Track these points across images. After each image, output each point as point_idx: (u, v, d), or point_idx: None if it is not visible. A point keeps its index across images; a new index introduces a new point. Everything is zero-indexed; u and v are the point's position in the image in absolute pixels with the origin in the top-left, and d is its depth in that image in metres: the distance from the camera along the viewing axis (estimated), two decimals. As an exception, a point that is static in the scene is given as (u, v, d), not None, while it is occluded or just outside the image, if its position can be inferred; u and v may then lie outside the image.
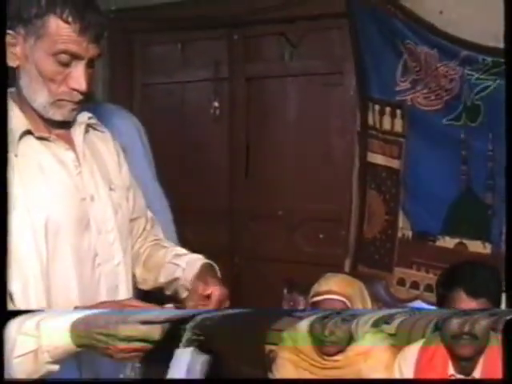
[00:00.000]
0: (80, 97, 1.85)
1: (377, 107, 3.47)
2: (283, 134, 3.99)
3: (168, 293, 2.14)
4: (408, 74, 3.37)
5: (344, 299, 2.56)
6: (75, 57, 1.80)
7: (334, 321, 2.15)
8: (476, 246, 3.22)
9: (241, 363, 1.77)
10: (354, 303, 2.56)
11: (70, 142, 1.95)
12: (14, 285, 1.74)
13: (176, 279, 2.10)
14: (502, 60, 3.14)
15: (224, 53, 4.09)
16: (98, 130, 2.07)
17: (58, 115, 1.86)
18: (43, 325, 1.57)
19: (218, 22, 3.96)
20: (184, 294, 2.07)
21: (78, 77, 1.81)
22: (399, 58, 3.38)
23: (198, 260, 2.09)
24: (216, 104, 4.10)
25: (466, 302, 2.46)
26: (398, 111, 3.42)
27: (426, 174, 3.34)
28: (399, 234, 3.38)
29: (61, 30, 1.76)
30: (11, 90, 1.87)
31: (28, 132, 1.85)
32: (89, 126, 2.03)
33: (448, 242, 3.29)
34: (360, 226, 3.50)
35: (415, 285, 3.37)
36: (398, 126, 3.43)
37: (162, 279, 2.14)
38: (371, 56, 3.46)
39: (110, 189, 2.02)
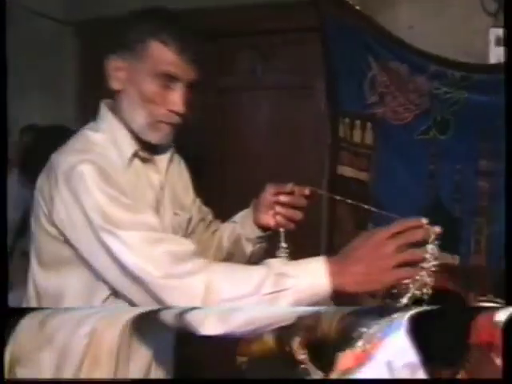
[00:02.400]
0: (177, 119, 1.90)
1: (347, 120, 3.51)
2: (255, 147, 4.01)
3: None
4: (378, 88, 3.41)
5: None
6: (174, 79, 1.86)
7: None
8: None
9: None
10: None
11: (156, 165, 2.02)
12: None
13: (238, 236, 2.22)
14: (471, 74, 3.21)
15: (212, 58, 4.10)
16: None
17: (155, 138, 1.91)
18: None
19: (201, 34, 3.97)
20: (248, 249, 2.19)
21: (176, 99, 1.86)
22: (369, 72, 3.42)
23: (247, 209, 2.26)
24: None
25: None
26: (369, 124, 3.46)
27: (395, 187, 3.38)
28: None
29: (161, 52, 1.83)
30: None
31: (135, 153, 1.91)
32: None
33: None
34: (330, 239, 3.52)
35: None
36: (368, 138, 3.46)
37: (226, 243, 2.25)
38: (342, 70, 3.49)
39: (174, 213, 2.07)
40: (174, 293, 1.62)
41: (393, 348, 1.43)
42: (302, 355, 1.62)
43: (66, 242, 1.79)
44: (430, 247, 1.60)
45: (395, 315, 1.47)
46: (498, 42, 3.27)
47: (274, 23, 3.76)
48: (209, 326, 1.54)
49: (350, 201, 2.23)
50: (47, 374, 1.70)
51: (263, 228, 2.20)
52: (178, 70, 1.86)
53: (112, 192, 1.72)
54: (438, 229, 1.64)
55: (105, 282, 1.77)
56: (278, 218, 2.08)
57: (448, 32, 3.29)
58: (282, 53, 3.93)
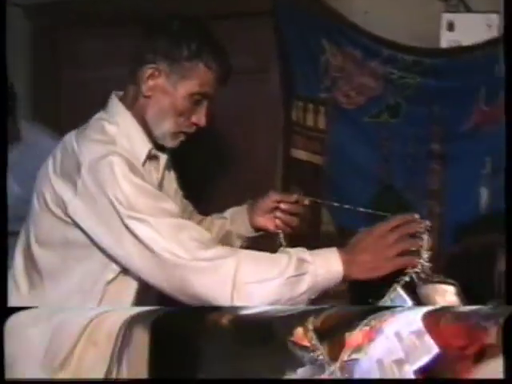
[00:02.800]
0: (194, 130, 2.11)
1: (300, 104, 3.53)
2: (208, 131, 4.00)
3: None
4: (331, 72, 3.44)
5: None
6: (206, 97, 2.06)
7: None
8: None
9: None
10: None
11: (157, 164, 2.16)
12: None
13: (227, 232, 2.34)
14: (423, 59, 3.26)
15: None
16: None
17: (170, 144, 2.10)
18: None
19: (141, 18, 3.95)
20: (237, 245, 2.32)
21: (201, 113, 2.07)
22: (323, 57, 3.44)
23: (239, 208, 2.39)
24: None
25: None
26: (322, 108, 3.48)
27: (348, 170, 3.42)
28: (323, 229, 3.43)
29: (204, 74, 2.00)
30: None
31: (149, 152, 2.05)
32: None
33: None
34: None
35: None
36: (321, 122, 3.49)
37: (214, 236, 2.30)
38: (295, 54, 3.51)
39: None
40: (204, 275, 1.76)
41: (399, 320, 1.64)
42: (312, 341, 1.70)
43: (74, 224, 1.91)
44: (426, 237, 1.92)
45: (392, 293, 1.82)
46: (449, 27, 3.32)
47: (227, 7, 3.75)
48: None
49: (336, 204, 2.51)
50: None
51: (259, 229, 2.36)
52: (212, 90, 2.07)
53: (138, 181, 1.86)
54: (428, 222, 1.95)
55: (122, 264, 1.89)
56: (278, 222, 2.26)
57: (402, 17, 3.32)
58: (235, 37, 3.92)
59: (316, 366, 1.69)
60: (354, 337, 1.66)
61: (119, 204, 1.81)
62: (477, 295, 3.18)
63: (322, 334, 1.71)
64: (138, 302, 2.01)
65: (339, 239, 3.37)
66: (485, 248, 3.25)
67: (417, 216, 1.95)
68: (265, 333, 1.64)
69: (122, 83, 4.18)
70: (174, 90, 2.01)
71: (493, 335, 3.05)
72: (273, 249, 1.99)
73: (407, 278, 1.88)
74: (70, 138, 2.01)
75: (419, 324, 1.65)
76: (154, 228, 1.80)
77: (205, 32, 2.09)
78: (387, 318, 1.65)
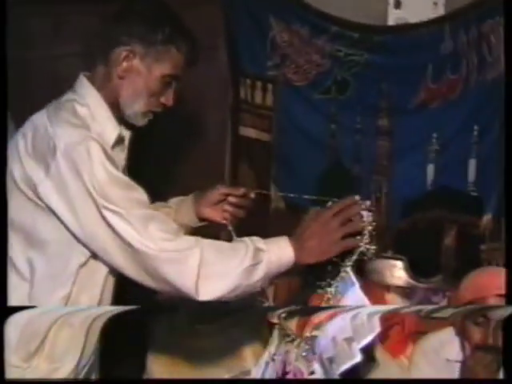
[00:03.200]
0: (161, 109, 2.16)
1: (248, 81, 3.52)
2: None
3: None
4: (279, 50, 3.44)
5: None
6: (175, 79, 2.12)
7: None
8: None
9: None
10: None
11: (123, 144, 2.18)
12: None
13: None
14: (370, 35, 3.28)
15: (97, 28, 4.01)
16: None
17: (140, 122, 2.14)
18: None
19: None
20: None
21: (169, 94, 2.13)
22: (270, 34, 3.43)
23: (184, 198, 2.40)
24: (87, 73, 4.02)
25: None
26: (269, 85, 3.48)
27: (297, 147, 3.42)
28: (272, 206, 3.44)
29: (175, 57, 2.07)
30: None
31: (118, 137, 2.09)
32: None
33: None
34: (234, 200, 3.53)
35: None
36: (269, 99, 3.49)
37: None
38: (243, 31, 3.49)
39: None
40: (172, 265, 1.87)
41: (350, 301, 1.90)
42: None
43: (43, 205, 1.93)
44: (366, 214, 1.95)
45: (343, 274, 1.95)
46: (396, 5, 3.34)
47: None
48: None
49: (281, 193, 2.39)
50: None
51: (204, 220, 2.39)
52: (182, 72, 2.13)
53: (113, 171, 1.91)
54: (368, 202, 1.99)
55: (92, 250, 1.95)
56: (225, 214, 2.31)
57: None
58: (183, 14, 3.87)
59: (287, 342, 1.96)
60: (318, 315, 1.93)
61: (95, 192, 1.88)
62: (424, 270, 3.24)
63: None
64: (106, 285, 2.06)
65: (289, 216, 3.40)
66: (432, 223, 3.30)
67: (357, 198, 2.00)
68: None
69: (68, 62, 4.16)
70: (148, 72, 2.08)
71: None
72: (215, 238, 2.06)
73: (354, 258, 1.96)
74: (42, 117, 2.03)
75: (367, 302, 1.90)
76: (127, 220, 1.87)
77: (176, 17, 2.17)
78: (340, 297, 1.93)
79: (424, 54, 3.32)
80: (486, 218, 3.26)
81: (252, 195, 2.32)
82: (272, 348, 2.01)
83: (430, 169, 3.32)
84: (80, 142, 1.91)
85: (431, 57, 3.31)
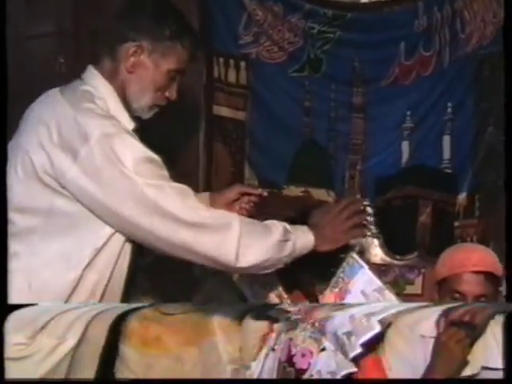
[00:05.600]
0: (165, 103, 2.22)
1: (221, 60, 3.49)
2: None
3: None
4: (252, 28, 3.41)
5: None
6: (180, 73, 2.18)
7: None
8: (320, 194, 3.34)
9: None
10: None
11: None
12: None
13: None
14: (343, 13, 3.26)
15: (69, 7, 3.95)
16: None
17: (147, 115, 2.20)
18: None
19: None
20: None
21: (174, 89, 2.18)
22: (243, 12, 3.41)
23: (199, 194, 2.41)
24: (61, 60, 3.96)
25: None
26: (243, 64, 3.46)
27: (271, 126, 3.41)
28: (246, 184, 3.41)
29: (180, 53, 2.14)
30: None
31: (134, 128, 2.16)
32: None
33: (293, 191, 3.38)
34: (208, 179, 3.51)
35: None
36: (243, 78, 3.47)
37: None
38: (215, 9, 3.46)
39: None
40: (214, 234, 2.02)
41: (361, 281, 2.17)
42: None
43: (63, 192, 2.02)
44: (369, 210, 2.47)
45: (349, 259, 2.21)
46: (369, -18, 3.34)
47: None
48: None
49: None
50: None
51: None
52: (186, 66, 2.19)
53: (146, 150, 2.03)
54: (367, 201, 2.46)
55: (127, 231, 2.06)
56: (242, 211, 2.35)
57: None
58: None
59: (290, 323, 2.05)
60: (326, 298, 2.22)
61: (135, 174, 1.98)
62: (400, 247, 3.25)
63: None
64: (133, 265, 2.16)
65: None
66: (407, 201, 3.31)
67: (358, 196, 2.45)
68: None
69: (41, 42, 4.10)
70: (155, 67, 2.14)
71: (418, 285, 3.14)
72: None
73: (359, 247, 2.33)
74: (63, 107, 2.09)
75: (378, 283, 2.18)
76: (168, 193, 2.01)
77: (181, 14, 2.23)
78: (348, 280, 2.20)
79: (397, 31, 3.32)
80: (461, 195, 3.28)
81: (265, 194, 2.43)
82: (271, 340, 2.10)
83: (405, 146, 3.33)
84: (115, 133, 2.01)
85: (404, 34, 3.31)
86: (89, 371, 2.07)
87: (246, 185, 3.35)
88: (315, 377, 2.05)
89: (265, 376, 2.16)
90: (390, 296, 2.18)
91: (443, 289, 2.27)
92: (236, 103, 3.47)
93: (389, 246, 3.15)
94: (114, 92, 2.15)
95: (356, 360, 1.99)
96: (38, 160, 2.03)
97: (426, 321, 2.31)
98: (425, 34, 3.29)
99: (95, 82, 2.16)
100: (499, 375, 2.20)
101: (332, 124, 3.37)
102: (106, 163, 1.98)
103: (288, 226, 2.13)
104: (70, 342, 2.01)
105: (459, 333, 2.17)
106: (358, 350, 2.00)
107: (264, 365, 2.16)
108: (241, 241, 2.03)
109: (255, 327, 2.15)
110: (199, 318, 2.12)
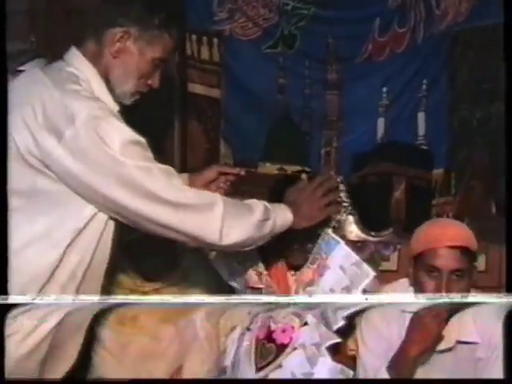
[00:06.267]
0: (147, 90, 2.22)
1: (194, 37, 3.46)
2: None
3: None
4: (226, 4, 3.39)
5: None
6: (164, 62, 2.20)
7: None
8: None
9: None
10: None
11: None
12: None
13: None
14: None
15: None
16: None
17: (128, 102, 2.20)
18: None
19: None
20: None
21: (156, 76, 2.19)
22: (217, -11, 3.38)
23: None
24: (32, 39, 3.91)
25: None
26: (216, 41, 3.43)
27: (245, 103, 3.39)
28: (221, 163, 3.40)
29: (167, 41, 2.14)
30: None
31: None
32: None
33: (269, 168, 3.37)
34: (183, 157, 3.50)
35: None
36: (216, 55, 3.44)
37: None
38: (188, -15, 3.44)
39: None
40: (198, 214, 2.06)
41: (339, 256, 2.28)
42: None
43: (47, 172, 2.01)
44: (342, 186, 2.43)
45: (324, 236, 2.33)
46: (344, -42, 3.32)
47: None
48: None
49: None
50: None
51: None
52: (170, 55, 2.23)
53: (133, 134, 2.04)
54: (341, 177, 2.51)
55: (112, 209, 2.06)
56: (220, 191, 2.38)
57: None
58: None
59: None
60: (305, 274, 2.31)
61: (122, 156, 1.99)
62: (375, 223, 3.25)
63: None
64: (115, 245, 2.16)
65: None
66: (382, 177, 3.31)
67: (332, 173, 2.43)
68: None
69: (12, 21, 4.03)
70: (140, 55, 2.14)
71: (393, 261, 3.15)
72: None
73: (335, 223, 2.38)
74: (48, 89, 2.07)
75: (355, 257, 2.28)
76: (155, 175, 2.03)
77: (171, 2, 2.27)
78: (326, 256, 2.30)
79: (372, 8, 3.31)
80: (436, 171, 3.29)
81: (243, 173, 2.47)
82: (246, 321, 2.24)
83: (380, 123, 3.34)
84: (102, 115, 2.02)
85: (379, 10, 3.30)
86: (69, 352, 2.10)
87: (222, 163, 3.36)
88: (299, 349, 2.16)
89: (241, 355, 2.26)
90: (368, 270, 2.26)
91: (418, 264, 2.27)
92: (210, 81, 3.45)
93: (364, 223, 3.14)
94: (98, 74, 2.14)
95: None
96: (23, 140, 2.02)
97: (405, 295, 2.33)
98: (399, 11, 3.28)
99: (78, 64, 2.14)
100: (473, 349, 2.25)
101: (307, 101, 3.36)
102: (91, 145, 1.98)
103: (268, 205, 2.18)
104: (50, 323, 2.02)
105: (437, 307, 2.19)
106: (341, 323, 2.15)
107: (240, 345, 2.26)
108: (224, 221, 2.06)
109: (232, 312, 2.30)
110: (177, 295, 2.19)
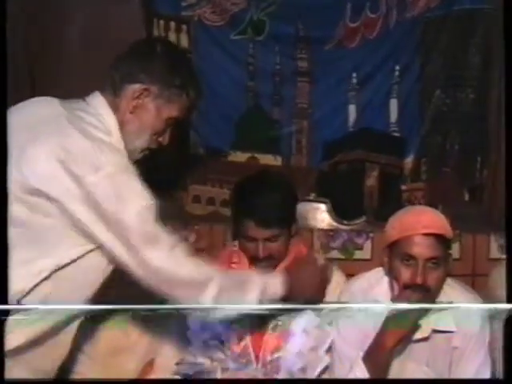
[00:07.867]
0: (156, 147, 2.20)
1: (161, 22, 3.40)
2: (69, 58, 3.80)
3: None
4: (194, -10, 3.33)
5: None
6: (177, 121, 2.19)
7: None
8: (267, 159, 3.30)
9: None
10: None
11: None
12: None
13: None
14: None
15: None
16: None
17: (136, 158, 2.15)
18: None
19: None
20: None
21: (167, 135, 2.19)
22: (186, -28, 3.32)
23: None
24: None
25: (256, 232, 2.40)
26: (184, 26, 3.37)
27: (215, 91, 3.33)
28: (191, 152, 3.36)
29: (184, 102, 2.15)
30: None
31: None
32: None
33: (240, 157, 3.33)
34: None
35: (211, 201, 3.37)
36: (184, 41, 3.37)
37: None
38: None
39: None
40: (191, 290, 2.06)
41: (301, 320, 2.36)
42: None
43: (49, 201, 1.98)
44: None
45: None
46: None
47: None
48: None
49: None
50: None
51: None
52: (185, 116, 2.23)
53: (149, 199, 2.03)
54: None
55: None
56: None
57: None
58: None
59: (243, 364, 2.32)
60: (270, 340, 2.35)
61: (133, 222, 2.00)
62: (347, 212, 3.23)
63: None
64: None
65: (209, 161, 3.35)
66: (354, 165, 3.29)
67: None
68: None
69: None
70: (157, 112, 2.14)
71: (367, 250, 3.14)
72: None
73: None
74: (73, 131, 2.03)
75: (318, 319, 2.32)
76: (161, 244, 2.03)
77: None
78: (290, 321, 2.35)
79: (343, -7, 3.27)
80: (408, 158, 3.29)
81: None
82: None
83: (351, 109, 3.30)
84: (125, 174, 2.01)
85: (350, -5, 3.27)
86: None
87: (192, 152, 3.33)
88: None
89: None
90: (328, 332, 2.33)
91: (393, 252, 2.25)
92: (177, 67, 3.39)
93: (336, 211, 3.12)
94: (118, 126, 2.13)
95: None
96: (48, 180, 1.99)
97: (380, 285, 2.31)
98: (372, -4, 3.26)
99: (103, 111, 2.13)
100: (449, 338, 2.24)
101: (277, 88, 3.31)
102: (106, 199, 1.98)
103: (265, 283, 2.17)
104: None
105: (413, 295, 2.17)
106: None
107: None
108: (216, 300, 2.06)
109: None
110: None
